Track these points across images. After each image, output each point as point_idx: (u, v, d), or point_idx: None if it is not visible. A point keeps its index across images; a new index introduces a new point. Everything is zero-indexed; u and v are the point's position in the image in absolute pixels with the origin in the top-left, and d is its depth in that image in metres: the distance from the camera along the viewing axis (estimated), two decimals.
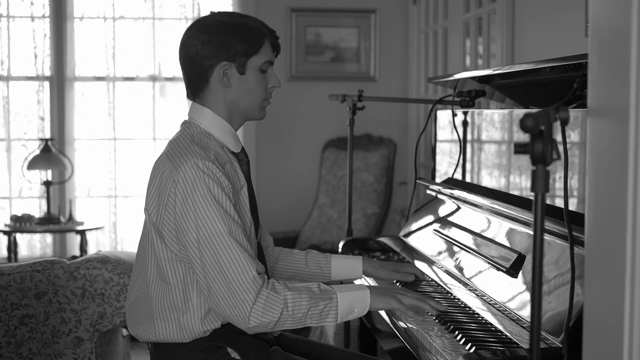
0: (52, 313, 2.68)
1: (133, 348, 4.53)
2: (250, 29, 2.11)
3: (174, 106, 5.46)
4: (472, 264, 2.39)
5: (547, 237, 2.04)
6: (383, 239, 3.19)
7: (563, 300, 1.84)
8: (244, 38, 2.09)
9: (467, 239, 2.51)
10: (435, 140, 3.21)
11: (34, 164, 5.01)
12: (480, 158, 2.73)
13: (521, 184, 2.38)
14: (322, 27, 5.50)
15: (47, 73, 5.37)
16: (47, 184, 5.10)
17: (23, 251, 5.38)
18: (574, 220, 1.84)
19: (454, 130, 2.95)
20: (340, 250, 3.15)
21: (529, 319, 1.70)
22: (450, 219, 2.77)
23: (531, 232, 2.17)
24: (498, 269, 2.21)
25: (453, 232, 2.65)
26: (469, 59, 4.52)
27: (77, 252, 5.27)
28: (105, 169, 5.45)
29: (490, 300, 2.16)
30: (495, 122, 2.61)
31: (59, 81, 5.36)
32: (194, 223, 1.96)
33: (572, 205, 2.00)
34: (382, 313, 2.35)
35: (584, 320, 1.47)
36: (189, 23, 5.29)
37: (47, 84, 5.38)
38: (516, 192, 2.40)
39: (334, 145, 5.38)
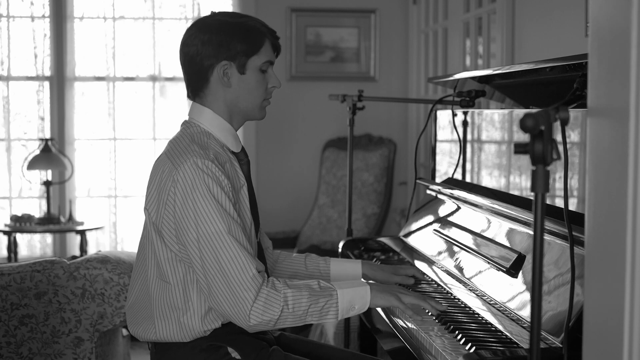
0: (52, 313, 2.68)
1: (133, 348, 4.53)
2: (250, 29, 2.11)
3: (174, 106, 5.46)
4: (472, 264, 2.39)
5: (547, 237, 2.04)
6: (383, 239, 3.19)
7: (563, 300, 1.84)
8: (244, 38, 2.09)
9: (467, 239, 2.51)
10: (435, 140, 3.21)
11: (34, 164, 5.01)
12: (480, 158, 2.73)
13: (521, 184, 2.38)
14: (322, 27, 5.50)
15: (47, 73, 5.37)
16: (47, 184, 5.10)
17: (23, 251, 5.38)
18: (574, 220, 1.84)
19: (454, 130, 2.95)
20: (340, 250, 3.15)
21: (529, 319, 1.70)
22: (450, 219, 2.77)
23: (531, 232, 2.17)
24: (498, 269, 2.21)
25: (453, 232, 2.65)
26: (469, 59, 4.52)
27: (77, 252, 5.27)
28: (105, 169, 5.45)
29: (490, 300, 2.16)
30: (495, 122, 2.61)
31: (59, 81, 5.36)
32: (194, 222, 1.97)
33: (572, 205, 2.00)
34: (382, 313, 2.35)
35: (584, 320, 1.47)
36: (189, 23, 5.29)
37: (47, 84, 5.38)
38: (516, 192, 2.40)
39: (334, 145, 5.38)
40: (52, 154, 5.05)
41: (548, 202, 2.13)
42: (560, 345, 1.75)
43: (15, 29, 5.38)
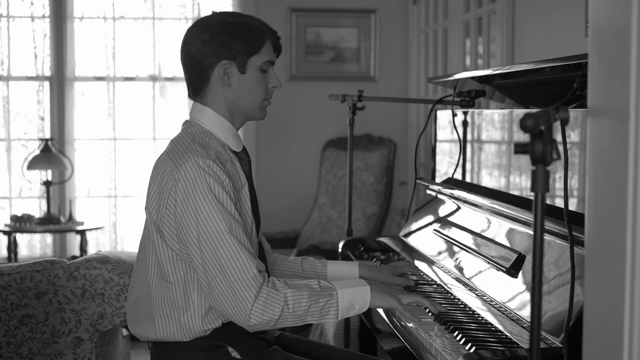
0: (52, 313, 2.68)
1: (133, 348, 4.53)
2: (251, 29, 2.11)
3: (174, 106, 5.46)
4: (472, 264, 2.39)
5: (547, 237, 2.04)
6: (383, 239, 3.19)
7: (563, 300, 1.84)
8: (245, 37, 2.09)
9: (467, 239, 2.51)
10: (435, 140, 3.21)
11: (34, 164, 5.01)
12: (480, 158, 2.73)
13: (521, 184, 2.38)
14: (322, 27, 5.50)
15: (47, 73, 5.37)
16: (47, 184, 5.10)
17: (23, 251, 5.38)
18: (574, 220, 1.84)
19: (454, 130, 2.95)
20: (340, 250, 3.15)
21: (529, 319, 1.70)
22: (450, 219, 2.77)
23: (531, 232, 2.17)
24: (498, 269, 2.21)
25: (453, 232, 2.65)
26: (469, 59, 4.52)
27: (77, 252, 5.27)
28: (105, 169, 5.45)
29: (490, 300, 2.16)
30: (495, 122, 2.61)
31: (59, 81, 5.36)
32: (195, 221, 1.97)
33: (572, 205, 2.00)
34: (382, 313, 2.35)
35: (584, 320, 1.47)
36: (189, 23, 5.30)
37: (47, 84, 5.38)
38: (516, 192, 2.40)
39: (334, 145, 5.38)
40: (52, 154, 5.05)
41: (548, 202, 2.13)
42: (560, 345, 1.75)
43: (15, 29, 5.38)
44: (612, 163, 1.35)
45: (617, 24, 1.33)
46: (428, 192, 3.15)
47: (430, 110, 3.15)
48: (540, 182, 1.30)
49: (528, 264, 2.11)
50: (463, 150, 2.89)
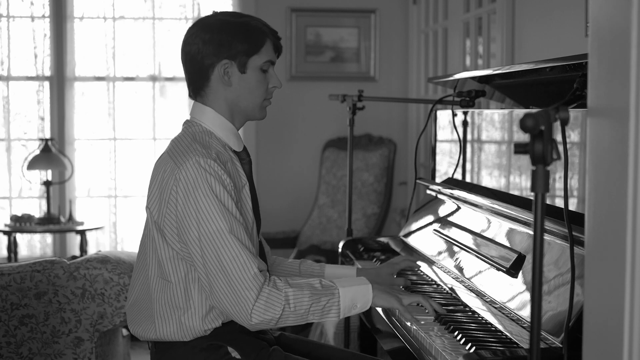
0: (52, 313, 2.68)
1: (133, 348, 4.53)
2: (252, 29, 2.11)
3: (174, 106, 5.46)
4: (472, 264, 2.39)
5: (547, 237, 2.04)
6: (383, 239, 3.19)
7: (563, 300, 1.84)
8: (246, 37, 2.09)
9: (467, 239, 2.51)
10: (435, 140, 3.21)
11: (34, 164, 5.01)
12: (480, 158, 2.73)
13: (521, 184, 2.38)
14: (322, 27, 5.50)
15: (47, 73, 5.37)
16: (47, 184, 5.10)
17: (23, 251, 5.38)
18: (574, 220, 1.84)
19: (454, 130, 2.95)
20: (340, 250, 3.15)
21: (529, 319, 1.70)
22: (450, 219, 2.77)
23: (531, 232, 2.17)
24: (498, 269, 2.21)
25: (453, 232, 2.65)
26: (469, 59, 4.52)
27: (77, 252, 5.27)
28: (105, 169, 5.45)
29: (490, 300, 2.16)
30: (495, 122, 2.61)
31: (59, 81, 5.36)
32: (195, 221, 1.97)
33: (572, 205, 2.00)
34: (382, 313, 2.35)
35: (584, 320, 1.47)
36: (189, 23, 5.30)
37: (47, 84, 5.38)
38: (516, 192, 2.40)
39: (334, 145, 5.38)
40: (52, 154, 5.05)
41: (548, 202, 2.13)
42: (560, 345, 1.75)
43: (15, 29, 5.38)
44: (612, 163, 1.35)
45: (617, 24, 1.33)
46: (428, 192, 3.15)
47: (430, 110, 3.15)
48: (540, 182, 1.30)
49: (528, 264, 2.11)
50: (463, 150, 2.89)
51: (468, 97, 2.87)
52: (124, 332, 3.13)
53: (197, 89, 2.15)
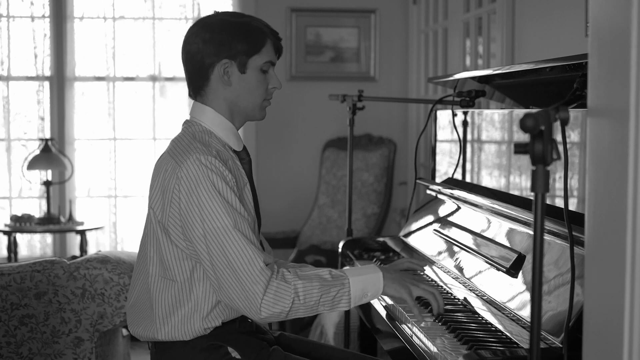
0: (52, 313, 2.68)
1: (133, 348, 4.53)
2: (252, 29, 2.11)
3: (174, 106, 5.46)
4: (472, 264, 2.39)
5: (547, 237, 2.04)
6: (383, 239, 3.19)
7: (563, 300, 1.84)
8: (246, 37, 2.09)
9: (467, 239, 2.51)
10: (435, 140, 3.21)
11: (34, 164, 5.01)
12: (480, 158, 2.73)
13: (521, 184, 2.38)
14: (322, 27, 5.50)
15: (47, 73, 5.37)
16: (47, 184, 5.10)
17: (23, 251, 5.38)
18: (574, 220, 1.84)
19: (454, 130, 2.95)
20: (340, 250, 3.15)
21: (529, 319, 1.70)
22: (450, 219, 2.77)
23: (531, 232, 2.17)
24: (498, 269, 2.21)
25: (453, 232, 2.65)
26: (469, 59, 4.52)
27: (77, 252, 5.27)
28: (105, 169, 5.45)
29: (490, 301, 2.16)
30: (495, 122, 2.61)
31: (59, 81, 5.36)
32: (199, 218, 1.97)
33: (572, 205, 2.00)
34: (382, 313, 2.35)
35: (584, 320, 1.47)
36: (189, 23, 5.30)
37: (47, 84, 5.38)
38: (516, 192, 2.40)
39: (334, 145, 5.38)
40: (52, 154, 5.05)
41: (548, 202, 2.13)
42: (560, 345, 1.75)
43: (15, 29, 5.38)
44: (612, 163, 1.35)
45: (617, 24, 1.33)
46: (428, 192, 3.15)
47: (430, 110, 3.15)
48: (540, 182, 1.30)
49: (528, 264, 2.11)
50: (463, 150, 2.89)
51: (468, 97, 2.87)
52: (124, 332, 3.13)
53: (197, 88, 2.15)
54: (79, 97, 5.45)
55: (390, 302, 2.34)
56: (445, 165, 3.09)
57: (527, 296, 2.01)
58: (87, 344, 2.72)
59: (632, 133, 1.28)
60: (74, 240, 5.35)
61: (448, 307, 2.23)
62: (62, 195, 5.35)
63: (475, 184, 2.76)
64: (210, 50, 2.09)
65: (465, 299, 2.28)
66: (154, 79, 5.40)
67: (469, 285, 2.33)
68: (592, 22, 1.43)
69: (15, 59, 5.38)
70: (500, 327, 2.00)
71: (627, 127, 1.29)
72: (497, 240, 2.34)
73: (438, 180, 3.16)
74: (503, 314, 2.06)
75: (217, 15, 2.15)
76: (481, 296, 2.22)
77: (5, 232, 4.95)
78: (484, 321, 2.09)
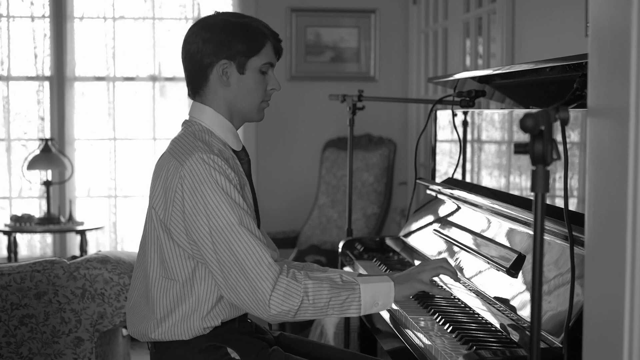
0: (52, 313, 2.68)
1: (133, 348, 4.53)
2: (252, 30, 2.11)
3: (174, 106, 5.46)
4: (472, 264, 2.39)
5: (547, 237, 2.04)
6: (383, 239, 3.19)
7: (563, 300, 1.84)
8: (246, 38, 2.09)
9: (467, 239, 2.51)
10: (435, 140, 3.21)
11: (34, 164, 5.01)
12: (480, 158, 2.73)
13: (521, 184, 2.38)
14: (322, 27, 5.50)
15: (47, 73, 5.37)
16: (47, 184, 5.10)
17: (23, 251, 5.38)
18: (574, 220, 1.84)
19: (454, 130, 2.95)
20: (340, 250, 3.15)
21: (529, 319, 1.70)
22: (450, 219, 2.77)
23: (531, 232, 2.17)
24: (498, 269, 2.21)
25: (453, 232, 2.65)
26: (469, 59, 4.52)
27: (77, 252, 5.27)
28: (105, 169, 5.45)
29: (490, 301, 2.16)
30: (495, 122, 2.61)
31: (59, 81, 5.36)
32: (205, 216, 1.97)
33: (572, 205, 2.00)
34: (383, 314, 2.35)
35: (584, 320, 1.47)
36: (189, 23, 5.30)
37: (47, 84, 5.38)
38: (516, 192, 2.40)
39: (334, 145, 5.38)
40: (52, 154, 5.05)
41: (548, 202, 2.13)
42: (560, 345, 1.75)
43: (15, 29, 5.38)
44: (612, 163, 1.35)
45: (617, 24, 1.33)
46: (428, 192, 3.15)
47: (430, 110, 3.15)
48: (540, 182, 1.30)
49: (528, 264, 2.11)
50: (463, 150, 2.89)
51: (468, 97, 2.87)
52: (124, 332, 3.13)
53: (196, 88, 2.15)
54: (79, 97, 5.45)
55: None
56: (445, 165, 3.09)
57: (527, 296, 2.01)
58: (87, 344, 2.72)
59: (632, 133, 1.28)
60: (74, 240, 5.35)
61: (448, 307, 2.23)
62: (62, 195, 5.35)
63: (475, 184, 2.76)
64: (209, 50, 2.09)
65: (464, 298, 2.28)
66: (154, 79, 5.40)
67: (469, 285, 2.33)
68: (592, 22, 1.43)
69: (15, 59, 5.38)
70: (500, 327, 2.00)
71: (627, 127, 1.29)
72: (497, 240, 2.34)
73: (438, 180, 3.16)
74: (503, 314, 2.06)
75: (218, 16, 2.15)
76: (481, 296, 2.22)
77: (5, 232, 4.95)
78: (484, 321, 2.09)
